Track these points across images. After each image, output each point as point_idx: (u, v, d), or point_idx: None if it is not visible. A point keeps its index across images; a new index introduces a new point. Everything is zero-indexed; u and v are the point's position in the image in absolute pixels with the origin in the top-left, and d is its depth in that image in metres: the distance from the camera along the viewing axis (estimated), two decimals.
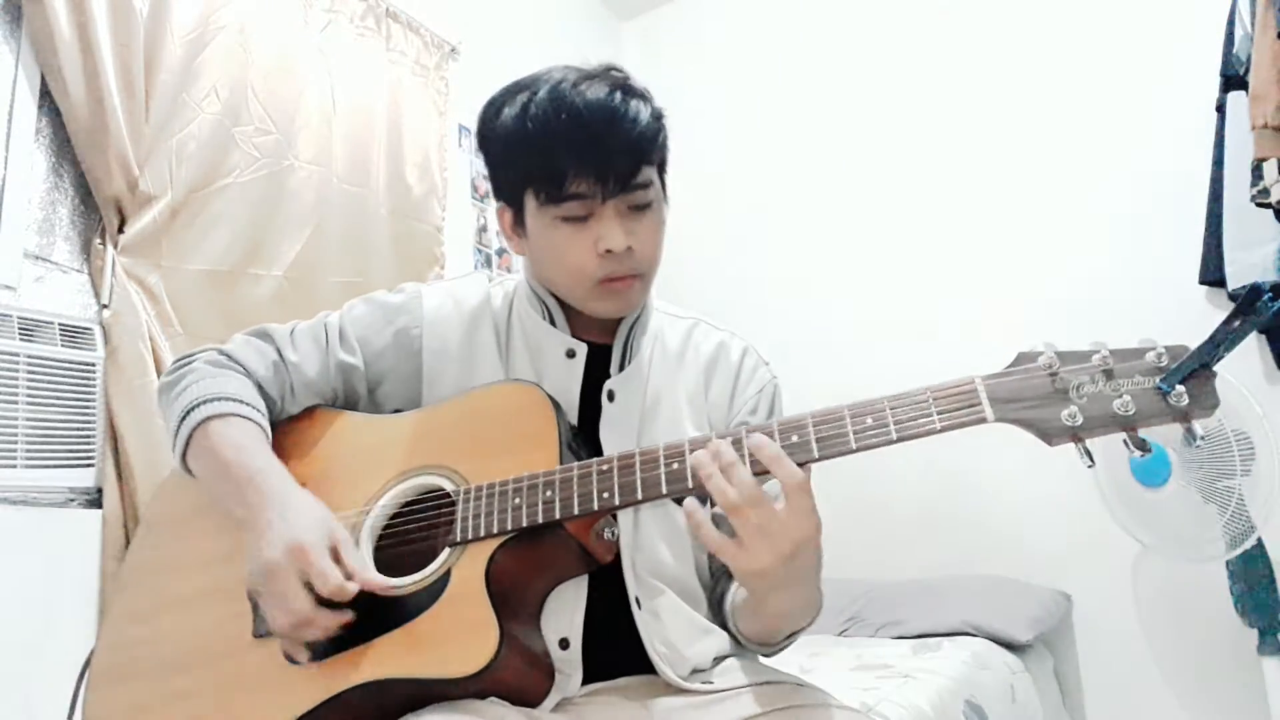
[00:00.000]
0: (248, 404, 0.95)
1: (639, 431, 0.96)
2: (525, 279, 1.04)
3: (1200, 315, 2.21)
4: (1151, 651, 2.31)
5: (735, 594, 0.96)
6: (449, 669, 0.77)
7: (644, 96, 0.92)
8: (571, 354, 0.98)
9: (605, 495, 0.81)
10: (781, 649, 0.98)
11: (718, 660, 0.94)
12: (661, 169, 0.97)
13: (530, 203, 0.92)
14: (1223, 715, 2.19)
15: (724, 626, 0.98)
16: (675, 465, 0.80)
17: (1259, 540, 1.89)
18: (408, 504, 0.90)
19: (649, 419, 0.97)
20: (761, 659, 0.99)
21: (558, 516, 0.82)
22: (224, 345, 1.02)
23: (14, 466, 1.57)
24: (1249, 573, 1.98)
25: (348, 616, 0.80)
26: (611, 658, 0.90)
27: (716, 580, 1.01)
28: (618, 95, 0.89)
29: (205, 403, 0.93)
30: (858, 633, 2.34)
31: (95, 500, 1.68)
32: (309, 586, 0.79)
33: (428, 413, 0.96)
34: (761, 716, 0.85)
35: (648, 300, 1.04)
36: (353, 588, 0.79)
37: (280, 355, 1.01)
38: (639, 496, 0.81)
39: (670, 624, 0.91)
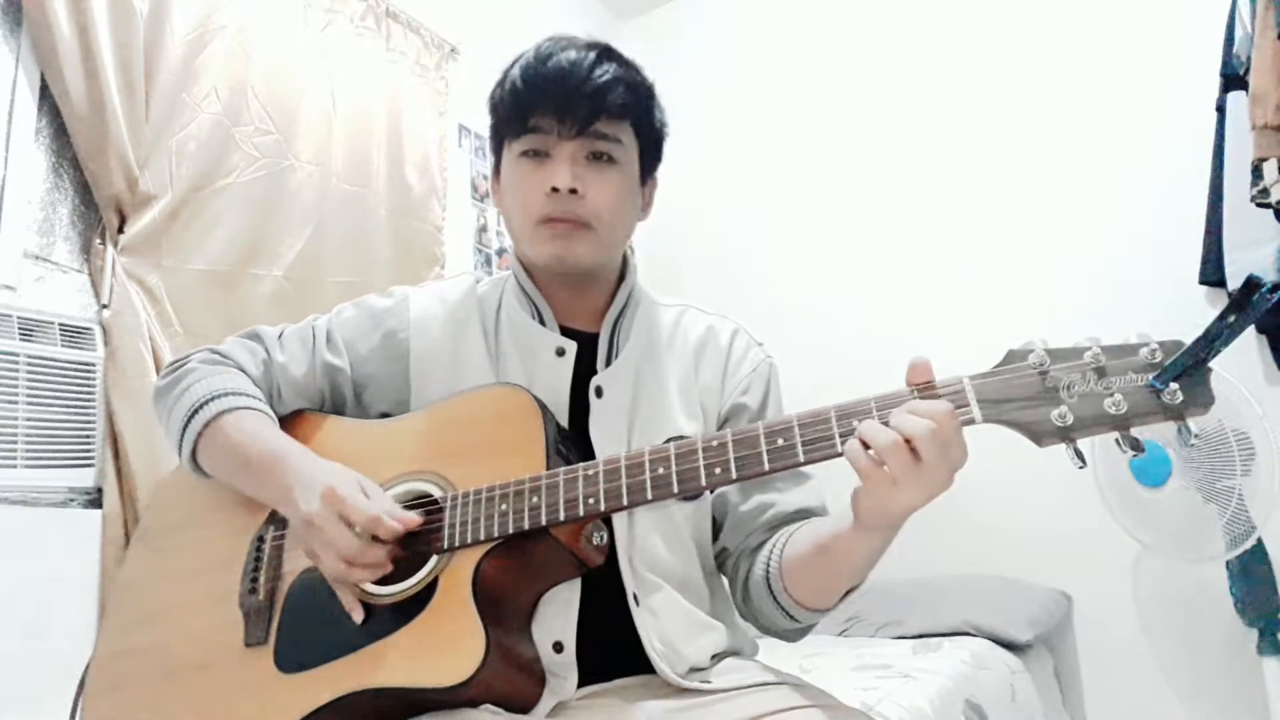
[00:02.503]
0: (252, 396, 0.96)
1: (629, 426, 0.96)
2: (512, 273, 1.04)
3: (1200, 316, 2.16)
4: (1151, 651, 2.30)
5: (784, 555, 0.91)
6: (435, 678, 0.76)
7: (628, 65, 0.98)
8: (561, 352, 0.98)
9: (590, 501, 0.81)
10: (828, 612, 0.94)
11: (716, 658, 0.93)
12: (640, 135, 0.99)
13: (505, 148, 0.99)
14: (1223, 715, 2.19)
15: (746, 611, 0.98)
16: (660, 470, 0.79)
17: (1259, 540, 1.89)
18: None
19: (638, 412, 0.97)
20: (760, 658, 0.99)
21: (543, 523, 0.81)
22: (216, 346, 1.02)
23: (14, 466, 1.57)
24: (1249, 573, 1.98)
25: (390, 548, 0.83)
26: (608, 659, 0.89)
27: (737, 562, 0.99)
28: (592, 54, 0.95)
29: (213, 399, 0.93)
30: (858, 632, 2.34)
31: (95, 500, 1.68)
32: (349, 526, 0.81)
33: (415, 417, 0.96)
34: (761, 718, 0.83)
35: (635, 289, 1.05)
36: (387, 519, 0.81)
37: (268, 355, 1.01)
38: (624, 502, 0.80)
39: (668, 620, 0.91)
